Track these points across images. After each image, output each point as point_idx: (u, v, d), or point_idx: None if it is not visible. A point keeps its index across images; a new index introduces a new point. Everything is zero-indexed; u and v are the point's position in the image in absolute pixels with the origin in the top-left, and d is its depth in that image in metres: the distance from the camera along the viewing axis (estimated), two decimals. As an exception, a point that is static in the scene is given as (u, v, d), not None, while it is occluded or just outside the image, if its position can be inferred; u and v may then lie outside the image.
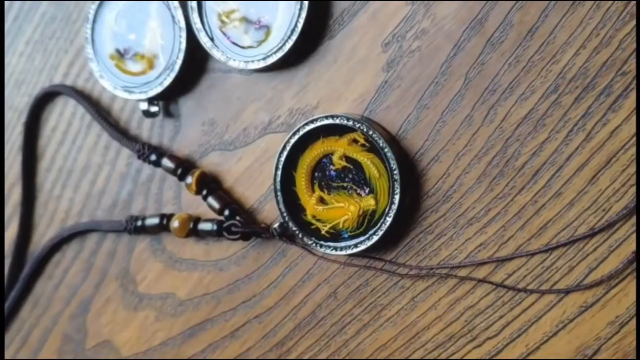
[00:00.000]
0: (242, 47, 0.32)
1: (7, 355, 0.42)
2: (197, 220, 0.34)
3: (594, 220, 0.28)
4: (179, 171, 0.35)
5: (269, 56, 0.31)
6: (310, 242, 0.31)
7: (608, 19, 0.27)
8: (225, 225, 0.33)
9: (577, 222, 0.28)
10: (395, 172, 0.29)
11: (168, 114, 0.36)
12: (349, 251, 0.30)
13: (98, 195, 0.38)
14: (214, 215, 0.34)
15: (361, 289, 0.32)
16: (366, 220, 0.30)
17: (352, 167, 0.30)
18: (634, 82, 0.27)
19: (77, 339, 0.40)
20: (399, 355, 0.32)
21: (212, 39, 0.33)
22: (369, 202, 0.30)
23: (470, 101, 0.30)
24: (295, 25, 0.31)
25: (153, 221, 0.35)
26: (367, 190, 0.30)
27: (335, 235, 0.31)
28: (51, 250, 0.40)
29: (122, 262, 0.38)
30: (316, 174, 0.31)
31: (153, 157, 0.35)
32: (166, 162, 0.35)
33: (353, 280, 0.32)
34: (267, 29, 0.32)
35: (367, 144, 0.30)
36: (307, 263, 0.33)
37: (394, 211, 0.29)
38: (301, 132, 0.31)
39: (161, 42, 0.34)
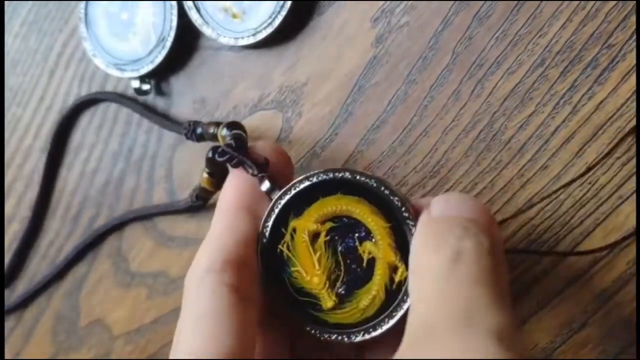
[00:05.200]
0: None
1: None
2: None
3: (580, 193, 0.28)
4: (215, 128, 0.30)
5: (258, 32, 0.32)
6: None
7: (594, -8, 0.27)
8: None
9: (564, 196, 0.28)
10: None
11: (159, 92, 0.36)
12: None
13: (91, 174, 0.39)
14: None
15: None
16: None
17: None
18: (620, 54, 0.27)
19: (71, 318, 0.40)
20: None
21: (202, 16, 0.33)
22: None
23: (458, 76, 0.30)
24: (285, 1, 0.31)
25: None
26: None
27: None
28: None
29: (114, 241, 0.38)
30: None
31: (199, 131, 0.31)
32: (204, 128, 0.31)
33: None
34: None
35: None
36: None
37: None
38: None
39: (152, 20, 0.34)
